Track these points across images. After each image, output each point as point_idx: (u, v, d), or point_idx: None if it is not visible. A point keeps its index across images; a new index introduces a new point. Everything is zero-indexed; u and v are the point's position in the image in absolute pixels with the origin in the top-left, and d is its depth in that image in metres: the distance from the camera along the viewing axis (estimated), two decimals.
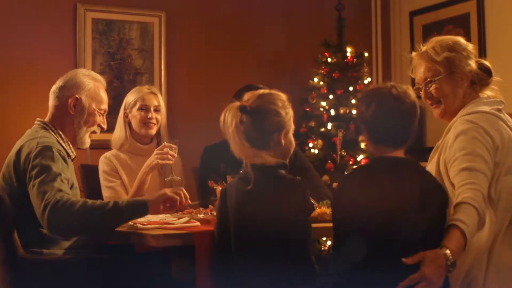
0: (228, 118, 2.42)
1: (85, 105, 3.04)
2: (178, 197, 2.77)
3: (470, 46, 2.73)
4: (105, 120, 3.14)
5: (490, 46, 5.51)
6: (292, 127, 2.49)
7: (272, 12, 5.80)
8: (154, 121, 3.67)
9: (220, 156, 3.06)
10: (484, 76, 2.69)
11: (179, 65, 5.49)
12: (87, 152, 4.68)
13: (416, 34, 6.09)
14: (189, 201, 2.87)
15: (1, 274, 2.82)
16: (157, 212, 2.78)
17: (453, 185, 2.47)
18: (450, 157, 2.52)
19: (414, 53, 2.77)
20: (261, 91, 2.51)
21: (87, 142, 3.11)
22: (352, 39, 5.57)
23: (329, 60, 5.45)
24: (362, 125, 2.42)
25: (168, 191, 2.78)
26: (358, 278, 2.28)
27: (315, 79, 5.45)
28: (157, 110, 3.68)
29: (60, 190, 2.73)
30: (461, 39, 2.75)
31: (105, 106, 3.12)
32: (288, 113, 2.46)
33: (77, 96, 3.03)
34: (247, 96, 2.63)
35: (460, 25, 5.71)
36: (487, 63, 2.72)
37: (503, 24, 5.43)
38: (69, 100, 3.02)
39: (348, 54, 5.46)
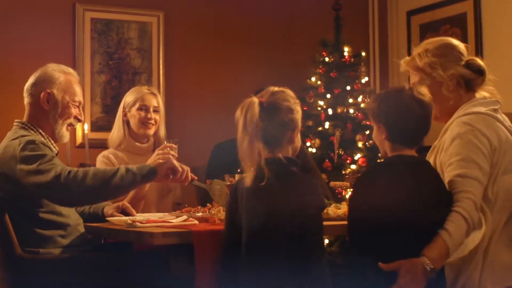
0: (248, 114, 2.41)
1: (58, 98, 3.04)
2: (180, 169, 2.88)
3: (460, 47, 2.72)
4: (81, 112, 3.15)
5: (486, 46, 5.54)
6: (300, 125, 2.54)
7: (270, 12, 5.83)
8: (152, 121, 3.70)
9: (230, 154, 3.12)
10: (473, 76, 2.68)
11: (177, 65, 5.52)
12: (86, 151, 4.70)
13: (413, 34, 6.12)
14: (195, 177, 2.99)
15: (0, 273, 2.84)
16: (164, 178, 2.88)
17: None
18: (446, 160, 2.54)
19: (402, 61, 2.81)
20: (271, 88, 2.51)
21: (65, 135, 3.11)
22: (349, 38, 5.60)
23: (327, 59, 5.48)
24: (382, 125, 2.47)
25: (176, 162, 2.89)
26: (375, 276, 2.33)
27: (313, 79, 5.47)
28: (156, 111, 3.71)
29: (65, 166, 2.80)
30: (450, 41, 2.74)
31: (79, 98, 3.11)
32: (299, 111, 2.50)
33: (48, 90, 3.03)
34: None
35: (457, 24, 5.74)
36: (479, 61, 2.71)
37: (500, 23, 5.46)
38: (41, 95, 3.03)
39: (346, 53, 5.49)
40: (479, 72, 2.69)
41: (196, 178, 3.00)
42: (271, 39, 5.83)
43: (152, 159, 3.48)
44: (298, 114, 2.48)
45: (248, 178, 2.39)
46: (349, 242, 2.47)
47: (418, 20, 6.09)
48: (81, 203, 2.95)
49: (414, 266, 2.28)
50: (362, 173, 2.64)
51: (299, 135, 2.53)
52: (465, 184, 2.43)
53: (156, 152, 3.50)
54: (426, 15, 6.02)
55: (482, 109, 2.60)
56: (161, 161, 2.99)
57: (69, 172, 2.75)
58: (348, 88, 5.40)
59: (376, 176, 2.43)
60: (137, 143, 3.73)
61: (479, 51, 5.55)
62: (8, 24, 4.98)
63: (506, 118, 2.67)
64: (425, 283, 2.29)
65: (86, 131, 4.86)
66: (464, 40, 5.66)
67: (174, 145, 3.51)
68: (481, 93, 2.71)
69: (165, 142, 3.54)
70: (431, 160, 2.67)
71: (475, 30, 5.59)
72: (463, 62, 2.68)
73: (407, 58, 2.79)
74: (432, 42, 2.75)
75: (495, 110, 2.64)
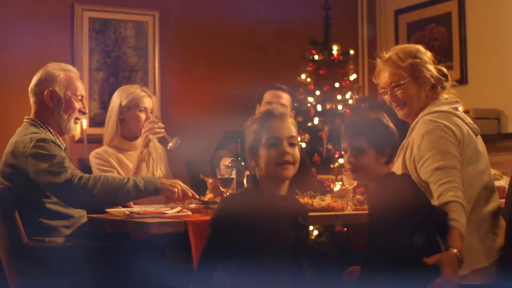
0: None
1: (60, 95, 3.18)
2: (176, 196, 3.06)
3: (429, 54, 2.92)
4: (84, 104, 3.29)
5: (470, 44, 5.71)
6: None
7: (262, 12, 5.97)
8: None
9: (235, 140, 3.37)
10: (443, 80, 2.88)
11: (172, 62, 5.65)
12: (84, 146, 4.85)
13: (401, 32, 6.27)
14: (196, 196, 3.12)
15: (7, 260, 3.00)
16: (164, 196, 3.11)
17: (422, 180, 2.71)
18: (420, 157, 2.71)
19: (378, 60, 2.94)
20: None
21: (73, 128, 3.25)
22: (338, 37, 5.74)
23: (316, 57, 5.61)
24: (387, 148, 2.58)
25: (179, 187, 3.06)
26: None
27: (303, 76, 5.61)
28: (151, 112, 3.84)
29: (75, 169, 2.98)
30: (421, 47, 2.92)
31: (80, 92, 3.25)
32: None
33: (51, 88, 3.17)
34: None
35: (442, 23, 5.91)
36: (444, 69, 2.92)
37: (483, 22, 5.62)
38: (45, 94, 3.17)
39: (335, 52, 5.63)
40: (447, 77, 2.89)
41: (197, 197, 3.15)
42: (263, 38, 5.97)
43: (141, 140, 3.67)
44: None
45: None
46: (369, 247, 2.56)
47: (406, 19, 6.25)
48: (86, 207, 3.13)
49: (451, 258, 2.43)
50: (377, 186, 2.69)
51: None
52: (447, 175, 2.60)
53: (143, 131, 3.67)
54: (413, 14, 6.17)
55: (445, 108, 2.81)
56: (169, 186, 3.08)
57: (80, 178, 2.92)
58: (337, 85, 5.54)
59: (392, 188, 2.54)
60: (128, 141, 3.86)
61: (463, 49, 5.72)
62: (7, 24, 5.09)
63: (466, 116, 2.87)
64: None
65: (84, 127, 5.00)
66: (449, 38, 5.86)
67: (156, 119, 3.69)
68: (443, 96, 2.91)
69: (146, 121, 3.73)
70: (400, 159, 2.85)
71: (459, 29, 5.76)
72: (433, 67, 2.89)
73: (384, 57, 2.92)
74: (407, 46, 2.94)
75: (456, 109, 2.84)
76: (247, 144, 2.54)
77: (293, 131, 2.53)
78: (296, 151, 2.52)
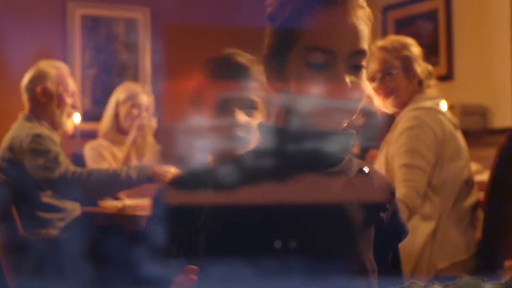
0: None
1: (53, 91, 3.29)
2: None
3: (419, 49, 2.96)
4: (76, 99, 3.41)
5: (456, 40, 5.80)
6: None
7: (256, 8, 6.02)
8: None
9: None
10: (430, 77, 2.94)
11: (164, 59, 5.73)
12: (78, 141, 4.93)
13: (389, 29, 6.36)
14: None
15: (4, 253, 3.06)
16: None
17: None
18: (395, 151, 2.77)
19: (373, 45, 2.94)
20: None
21: (65, 123, 3.37)
22: None
23: None
24: None
25: (173, 173, 3.13)
26: None
27: None
28: (147, 109, 3.94)
29: (69, 164, 3.08)
30: (414, 42, 2.96)
31: (72, 87, 3.37)
32: None
33: (43, 85, 3.29)
34: None
35: (430, 20, 6.00)
36: (429, 67, 2.96)
37: (469, 19, 5.71)
38: (38, 90, 3.28)
39: None
40: (431, 75, 2.96)
41: None
42: (257, 35, 6.04)
43: (132, 137, 3.77)
44: None
45: None
46: None
47: (394, 15, 6.33)
48: (81, 200, 3.23)
49: None
50: None
51: None
52: (409, 173, 2.66)
53: (134, 131, 3.77)
54: (401, 10, 6.25)
55: (429, 103, 2.85)
56: (161, 176, 3.15)
57: (74, 173, 3.02)
58: None
59: None
60: (122, 135, 3.95)
61: (449, 46, 5.81)
62: (1, 22, 5.18)
63: (446, 112, 2.93)
64: None
65: (77, 123, 5.07)
66: (435, 34, 5.95)
67: (147, 116, 3.81)
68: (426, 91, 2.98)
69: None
70: (383, 153, 2.88)
71: (446, 25, 5.85)
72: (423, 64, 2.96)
73: (379, 44, 2.91)
74: (402, 38, 2.98)
75: (438, 104, 2.90)
76: (264, 58, 1.42)
77: (364, 38, 1.36)
78: (363, 82, 1.34)
